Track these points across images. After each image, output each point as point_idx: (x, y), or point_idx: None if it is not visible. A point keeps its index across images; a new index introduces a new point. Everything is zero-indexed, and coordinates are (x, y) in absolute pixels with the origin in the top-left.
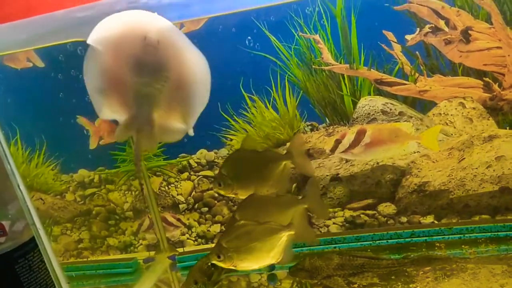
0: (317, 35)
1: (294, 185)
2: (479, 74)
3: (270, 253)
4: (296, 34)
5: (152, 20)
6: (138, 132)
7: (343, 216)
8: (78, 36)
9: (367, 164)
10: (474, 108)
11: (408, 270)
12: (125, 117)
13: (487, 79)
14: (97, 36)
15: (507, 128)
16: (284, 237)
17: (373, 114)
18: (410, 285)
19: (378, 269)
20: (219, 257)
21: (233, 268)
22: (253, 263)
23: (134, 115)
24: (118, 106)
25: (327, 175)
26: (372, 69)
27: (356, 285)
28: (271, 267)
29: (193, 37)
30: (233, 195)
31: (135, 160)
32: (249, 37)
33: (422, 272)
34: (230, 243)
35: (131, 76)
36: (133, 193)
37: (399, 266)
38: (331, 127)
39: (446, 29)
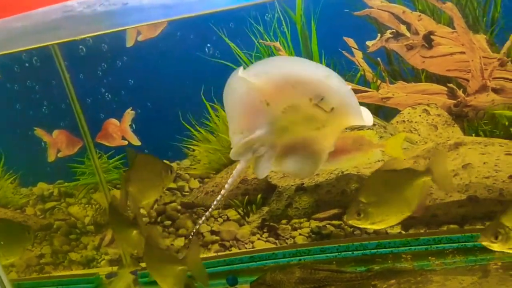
0: (278, 42)
1: None
2: (443, 80)
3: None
4: (256, 41)
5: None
6: (257, 154)
7: (309, 227)
8: (19, 46)
9: (331, 173)
10: (438, 115)
11: (372, 283)
12: (251, 137)
13: (451, 85)
14: (258, 71)
15: (473, 135)
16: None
17: None
18: None
19: (341, 283)
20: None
21: (368, 227)
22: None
23: (261, 138)
24: (249, 125)
25: (292, 185)
26: None
27: None
28: (234, 280)
29: (151, 44)
30: (368, 226)
31: (232, 183)
32: (208, 45)
33: (386, 286)
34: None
35: (281, 113)
36: (93, 206)
37: (362, 280)
38: None
39: (407, 34)
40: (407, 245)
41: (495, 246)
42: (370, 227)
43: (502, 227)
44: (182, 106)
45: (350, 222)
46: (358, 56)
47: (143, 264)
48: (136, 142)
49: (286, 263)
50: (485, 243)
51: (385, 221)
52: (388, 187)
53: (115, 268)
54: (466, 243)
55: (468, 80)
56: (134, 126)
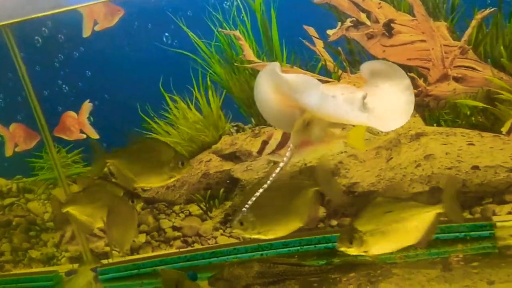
0: (237, 31)
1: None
2: (404, 69)
3: (411, 235)
4: (215, 30)
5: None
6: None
7: None
8: None
9: (295, 165)
10: None
11: (331, 277)
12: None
13: (412, 74)
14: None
15: (435, 125)
16: (431, 215)
17: None
18: None
19: (300, 276)
20: (351, 242)
21: (362, 254)
22: (389, 246)
23: None
24: None
25: (255, 178)
26: (295, 67)
27: None
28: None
29: (107, 34)
30: (255, 236)
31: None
32: (166, 34)
33: (345, 279)
34: (366, 226)
35: None
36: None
37: (322, 273)
38: (258, 127)
39: (368, 22)
40: None
41: (351, 251)
42: (257, 237)
43: (355, 232)
44: (140, 97)
45: (235, 231)
46: (319, 46)
47: (104, 261)
48: (94, 135)
49: (248, 258)
50: (342, 249)
51: (272, 231)
52: (274, 198)
53: (75, 266)
54: None
55: (429, 69)
56: (92, 118)
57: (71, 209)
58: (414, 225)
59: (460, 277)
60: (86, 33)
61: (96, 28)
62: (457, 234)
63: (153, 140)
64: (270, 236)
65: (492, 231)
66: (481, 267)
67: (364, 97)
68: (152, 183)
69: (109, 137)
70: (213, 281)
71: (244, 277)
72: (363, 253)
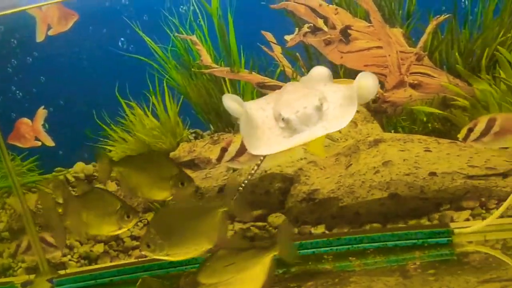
0: (194, 35)
1: None
2: None
3: (255, 281)
4: (172, 35)
5: None
6: None
7: (233, 230)
8: None
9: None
10: (358, 111)
11: (289, 286)
12: None
13: None
14: None
15: (392, 131)
16: (269, 258)
17: None
18: None
19: None
20: (148, 246)
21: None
22: (186, 249)
23: None
24: None
25: (214, 186)
26: (253, 72)
27: None
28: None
29: (61, 39)
30: (164, 257)
31: None
32: (122, 38)
33: None
34: (210, 279)
35: None
36: (8, 212)
37: (279, 282)
38: (216, 134)
39: (325, 28)
40: (329, 245)
41: (151, 255)
42: (166, 258)
43: (199, 285)
44: (96, 104)
45: (143, 252)
46: (277, 51)
47: (61, 272)
48: (49, 142)
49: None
50: (144, 252)
51: (181, 253)
52: (181, 220)
53: (32, 276)
54: (387, 242)
55: (385, 76)
56: (47, 125)
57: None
58: (257, 272)
59: (419, 285)
60: (40, 37)
61: (50, 33)
62: (415, 241)
63: (158, 154)
64: (179, 258)
65: (450, 238)
66: (440, 274)
67: (319, 107)
68: (153, 196)
69: (65, 145)
70: None
71: None
72: (164, 257)
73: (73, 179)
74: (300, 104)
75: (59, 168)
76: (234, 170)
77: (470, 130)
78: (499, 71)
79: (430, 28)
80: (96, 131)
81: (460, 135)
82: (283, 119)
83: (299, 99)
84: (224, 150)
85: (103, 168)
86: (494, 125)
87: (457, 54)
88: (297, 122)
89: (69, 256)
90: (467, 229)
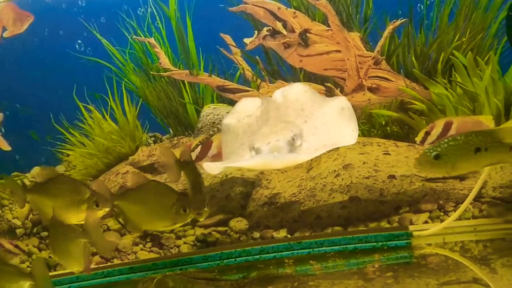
0: (152, 38)
1: None
2: (321, 79)
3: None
4: (129, 37)
5: None
6: None
7: (194, 235)
8: None
9: (215, 177)
10: None
11: None
12: None
13: (328, 84)
14: None
15: None
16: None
17: (218, 123)
18: None
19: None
20: None
21: None
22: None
23: None
24: None
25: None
26: (213, 75)
27: None
28: None
29: (17, 41)
30: None
31: None
32: (79, 41)
33: None
34: None
35: None
36: None
37: (240, 287)
38: (176, 138)
39: (284, 32)
40: (290, 249)
41: None
42: None
43: None
44: (53, 107)
45: None
46: (237, 54)
47: None
48: (6, 147)
49: (168, 274)
50: None
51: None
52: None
53: None
54: (347, 246)
55: (344, 80)
56: (3, 130)
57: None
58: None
59: None
60: None
61: (5, 35)
62: (374, 244)
63: (69, 178)
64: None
65: (409, 241)
66: (400, 277)
67: (292, 143)
68: (69, 220)
69: (22, 149)
70: None
71: None
72: None
73: (30, 184)
74: (274, 137)
75: (16, 173)
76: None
77: (427, 133)
78: (455, 75)
79: (387, 32)
80: (54, 135)
81: (418, 138)
82: (253, 147)
83: (274, 132)
84: None
85: (18, 196)
86: (450, 129)
87: (413, 58)
88: (266, 151)
89: (27, 263)
90: (426, 231)
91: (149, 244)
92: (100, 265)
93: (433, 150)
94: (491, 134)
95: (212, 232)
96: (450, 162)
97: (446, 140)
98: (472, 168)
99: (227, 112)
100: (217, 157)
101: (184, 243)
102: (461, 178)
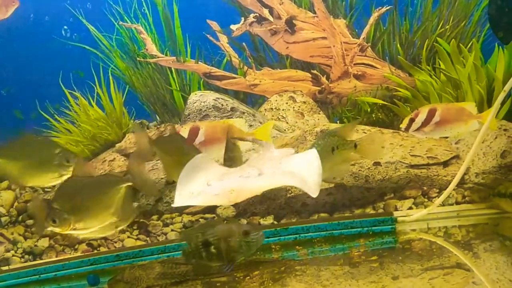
0: (139, 24)
1: None
2: (307, 66)
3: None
4: (116, 23)
5: None
6: None
7: (181, 222)
8: None
9: None
10: (304, 102)
11: (235, 276)
12: None
13: (315, 71)
14: None
15: (337, 121)
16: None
17: (205, 111)
18: None
19: (203, 276)
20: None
21: (73, 232)
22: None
23: None
24: None
25: (162, 178)
26: (200, 62)
27: None
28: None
29: (2, 27)
30: (72, 232)
31: None
32: (65, 27)
33: (248, 277)
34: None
35: None
36: None
37: (225, 272)
38: (163, 125)
39: (270, 18)
40: (277, 235)
41: (58, 230)
42: (74, 233)
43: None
44: (39, 94)
45: (50, 229)
46: (223, 41)
47: (4, 268)
48: None
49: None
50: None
51: (88, 227)
52: (84, 193)
53: None
54: (333, 231)
55: (330, 67)
56: None
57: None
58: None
59: (365, 273)
60: None
61: None
62: (360, 229)
63: (34, 137)
64: (85, 232)
65: (393, 226)
66: (386, 262)
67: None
68: (39, 182)
69: (6, 136)
70: (112, 283)
71: (144, 278)
72: (72, 232)
73: None
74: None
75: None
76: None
77: (412, 120)
78: (439, 62)
79: (372, 19)
80: (40, 122)
81: (403, 125)
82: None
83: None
84: None
85: None
86: (434, 115)
87: (398, 45)
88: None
89: (12, 252)
90: (410, 217)
91: (136, 232)
92: (86, 253)
93: None
94: (339, 133)
95: (200, 219)
96: (324, 166)
97: (311, 148)
98: (331, 168)
99: None
100: (205, 144)
101: (172, 230)
102: (445, 164)
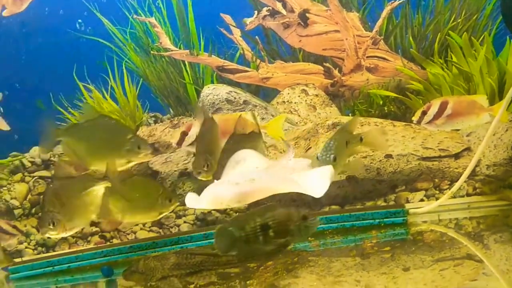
0: (153, 17)
1: None
2: (320, 59)
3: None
4: (130, 17)
5: None
6: None
7: (194, 214)
8: None
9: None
10: (316, 95)
11: (249, 266)
12: None
13: (327, 64)
14: None
15: (349, 114)
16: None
17: (218, 104)
18: (248, 282)
19: (218, 266)
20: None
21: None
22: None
23: None
24: None
25: (175, 171)
26: (213, 55)
27: (192, 286)
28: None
29: (17, 20)
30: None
31: None
32: (79, 20)
33: (262, 268)
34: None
35: None
36: None
37: (239, 262)
38: (176, 118)
39: (283, 12)
40: None
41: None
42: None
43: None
44: (53, 87)
45: (47, 235)
46: (236, 34)
47: (17, 259)
48: (5, 127)
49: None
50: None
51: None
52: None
53: None
54: (345, 223)
55: (343, 60)
56: (1, 109)
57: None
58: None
59: (376, 264)
60: None
61: (4, 14)
62: (371, 221)
63: (108, 119)
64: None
65: (405, 218)
66: (397, 254)
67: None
68: (104, 166)
69: (21, 129)
70: (127, 274)
71: (159, 269)
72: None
73: (29, 164)
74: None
75: (14, 153)
76: (195, 154)
77: (424, 113)
78: (451, 55)
79: (385, 12)
80: (53, 115)
81: (415, 118)
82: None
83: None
84: (184, 134)
85: (48, 137)
86: (446, 108)
87: (411, 38)
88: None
89: (25, 244)
90: (421, 209)
91: (149, 224)
92: (99, 245)
93: (329, 154)
94: (348, 127)
95: (212, 211)
96: (342, 160)
97: (329, 143)
98: (346, 161)
99: None
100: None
101: (184, 222)
102: (456, 156)
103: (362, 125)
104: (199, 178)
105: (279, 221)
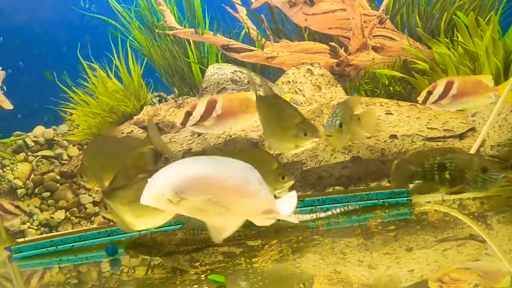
0: None
1: None
2: (325, 38)
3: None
4: None
5: None
6: None
7: None
8: None
9: (219, 137)
10: (322, 75)
11: (254, 244)
12: None
13: (333, 43)
14: None
15: (355, 94)
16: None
17: (223, 83)
18: (253, 259)
19: (224, 242)
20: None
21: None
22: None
23: None
24: None
25: (179, 151)
26: (218, 34)
27: (198, 263)
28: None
29: None
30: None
31: None
32: None
33: (267, 246)
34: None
35: None
36: None
37: (246, 238)
38: (181, 98)
39: None
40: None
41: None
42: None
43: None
44: (57, 65)
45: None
46: (242, 13)
47: (20, 239)
48: (8, 105)
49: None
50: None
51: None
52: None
53: None
54: (349, 203)
55: (349, 39)
56: (5, 88)
57: None
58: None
59: (380, 245)
60: None
61: None
62: (376, 201)
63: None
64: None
65: (409, 198)
66: (400, 234)
67: None
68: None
69: (24, 108)
70: (132, 246)
71: (166, 244)
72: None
73: (32, 144)
74: None
75: (17, 132)
76: (199, 134)
77: (429, 93)
78: (457, 34)
79: None
80: (57, 94)
81: (420, 98)
82: None
83: None
84: (188, 114)
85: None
86: (451, 88)
87: (417, 17)
88: None
89: (28, 224)
90: None
91: None
92: (103, 225)
93: (335, 120)
94: (350, 104)
95: None
96: (347, 128)
97: (335, 111)
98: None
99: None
100: (222, 117)
101: None
102: (461, 136)
103: (367, 105)
104: None
105: (456, 166)
